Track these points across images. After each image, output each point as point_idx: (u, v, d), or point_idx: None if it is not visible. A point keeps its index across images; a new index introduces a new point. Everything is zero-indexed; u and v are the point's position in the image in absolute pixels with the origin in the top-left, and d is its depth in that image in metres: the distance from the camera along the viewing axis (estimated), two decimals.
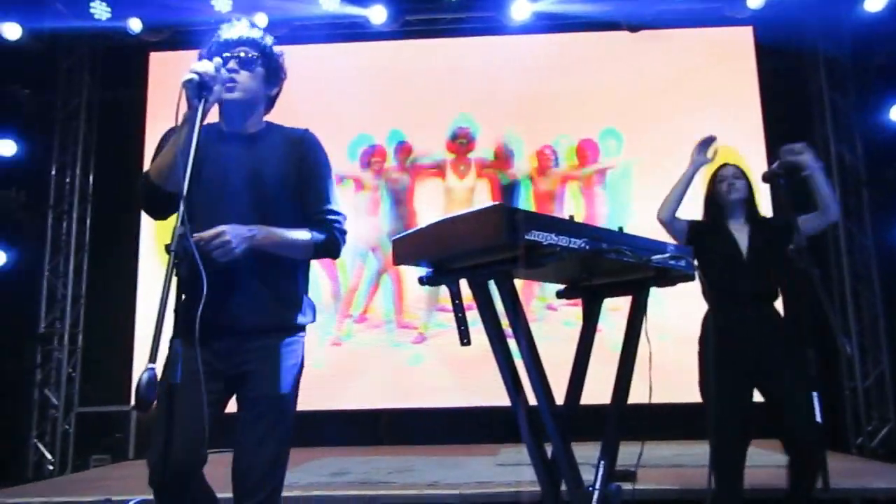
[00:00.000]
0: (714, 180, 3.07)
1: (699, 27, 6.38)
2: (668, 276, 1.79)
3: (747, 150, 6.03)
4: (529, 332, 1.58)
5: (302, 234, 1.95)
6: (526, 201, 6.26)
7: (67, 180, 6.50)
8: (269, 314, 1.93)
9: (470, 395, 5.46)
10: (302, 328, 2.03)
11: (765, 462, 3.72)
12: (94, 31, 6.33)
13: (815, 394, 2.55)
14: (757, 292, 2.91)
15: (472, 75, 6.40)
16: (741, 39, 6.38)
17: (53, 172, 6.45)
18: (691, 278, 1.79)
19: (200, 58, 2.02)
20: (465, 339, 1.69)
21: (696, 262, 3.01)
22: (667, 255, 1.73)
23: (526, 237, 1.44)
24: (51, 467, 5.90)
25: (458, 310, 1.70)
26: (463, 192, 6.34)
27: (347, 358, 5.99)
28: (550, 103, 6.34)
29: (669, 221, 3.03)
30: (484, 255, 1.57)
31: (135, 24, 5.99)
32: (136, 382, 1.44)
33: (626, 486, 2.97)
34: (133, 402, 1.46)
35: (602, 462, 1.64)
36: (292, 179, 2.00)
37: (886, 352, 5.97)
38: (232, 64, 1.96)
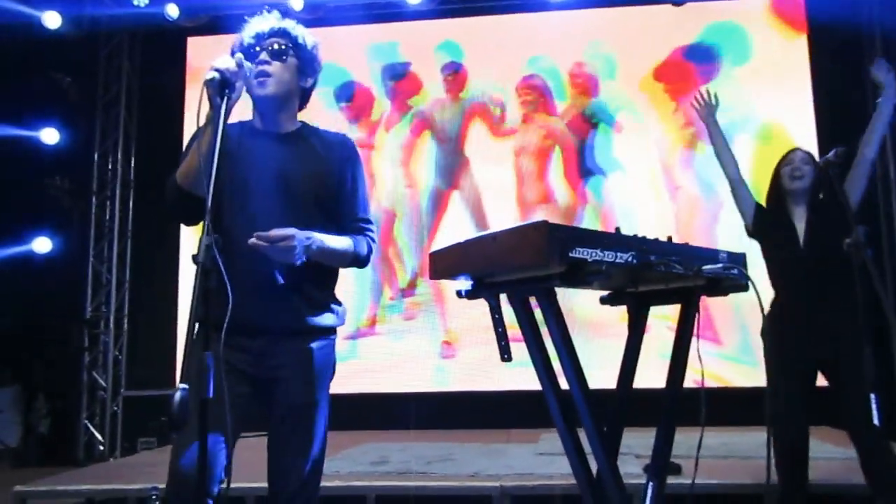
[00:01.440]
0: (781, 164, 2.98)
1: None
2: (720, 286, 1.71)
3: (795, 127, 5.82)
4: (573, 351, 1.52)
5: (345, 244, 1.92)
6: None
7: (109, 167, 6.60)
8: (300, 315, 1.90)
9: (509, 378, 5.42)
10: (333, 330, 2.00)
11: (831, 455, 3.63)
12: (132, 18, 6.38)
13: (872, 395, 2.46)
14: (816, 282, 2.82)
15: (513, 52, 6.26)
16: (792, 11, 6.09)
17: (96, 159, 6.55)
18: (745, 288, 1.71)
19: (232, 51, 1.97)
20: (505, 354, 1.64)
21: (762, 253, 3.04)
22: (719, 264, 1.64)
23: (570, 255, 1.37)
24: (101, 447, 6.08)
25: (499, 324, 1.65)
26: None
27: (385, 340, 6.01)
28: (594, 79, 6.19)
29: (736, 179, 3.03)
30: (525, 271, 1.51)
31: (172, 10, 6.00)
32: (170, 404, 1.42)
33: (682, 480, 2.96)
34: (168, 423, 1.45)
35: (651, 484, 1.58)
36: (327, 184, 1.95)
37: None
38: (264, 56, 1.91)
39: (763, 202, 3.07)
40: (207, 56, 1.92)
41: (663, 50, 6.13)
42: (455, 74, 6.28)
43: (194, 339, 1.51)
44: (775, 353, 2.82)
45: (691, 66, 6.09)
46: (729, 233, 5.57)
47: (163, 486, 1.80)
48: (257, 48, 1.93)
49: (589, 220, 5.97)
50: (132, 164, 6.72)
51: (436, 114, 6.28)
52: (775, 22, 6.11)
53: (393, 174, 6.24)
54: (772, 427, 2.85)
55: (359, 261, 1.97)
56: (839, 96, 5.96)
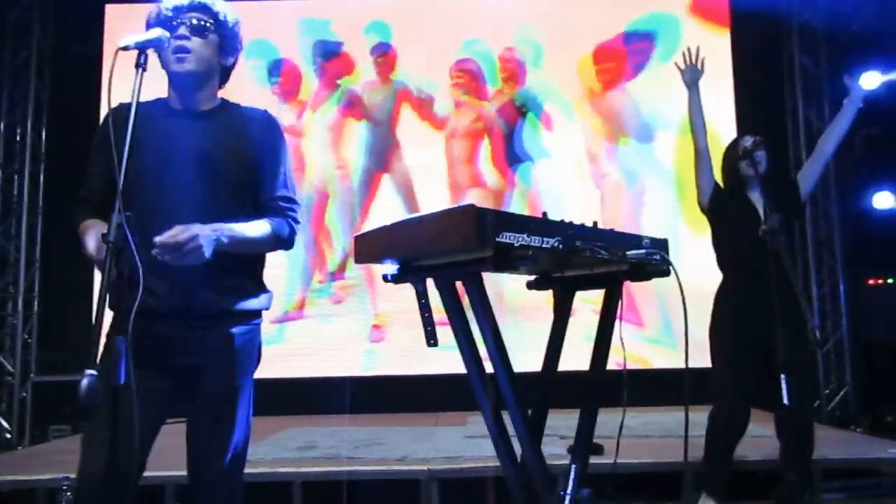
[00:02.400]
0: (735, 149, 3.07)
1: None
2: (643, 271, 1.74)
3: (717, 113, 6.00)
4: (499, 335, 1.52)
5: (262, 229, 1.83)
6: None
7: (18, 138, 6.20)
8: (220, 300, 1.82)
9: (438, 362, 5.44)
10: (256, 314, 1.93)
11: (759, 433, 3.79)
12: None
13: (783, 376, 2.58)
14: (770, 264, 2.86)
15: (446, 33, 6.22)
16: (715, 7, 6.28)
17: (2, 129, 6.14)
18: (666, 273, 1.74)
19: (149, 25, 1.86)
20: (431, 339, 1.62)
21: (712, 231, 3.12)
22: (642, 250, 1.67)
23: (497, 240, 1.36)
24: (8, 436, 5.77)
25: (425, 309, 1.63)
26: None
27: (313, 323, 5.93)
28: (523, 65, 6.22)
29: (705, 151, 3.10)
30: (452, 255, 1.49)
31: None
32: (77, 391, 1.34)
33: (604, 460, 3.03)
34: (75, 411, 1.37)
35: (574, 465, 1.61)
36: (247, 161, 1.87)
37: (846, 316, 6.11)
38: (183, 30, 1.80)
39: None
40: (126, 24, 1.81)
41: (593, 38, 6.22)
42: (384, 56, 6.20)
43: (109, 324, 1.44)
44: (729, 326, 2.91)
45: (621, 57, 6.21)
46: (652, 221, 5.75)
47: (75, 476, 1.71)
48: (176, 21, 1.82)
49: (517, 206, 6.03)
50: (43, 136, 6.34)
51: (366, 95, 6.18)
52: (698, 17, 6.28)
53: (323, 155, 6.13)
54: (719, 402, 2.96)
55: (281, 243, 1.90)
56: (759, 89, 6.21)
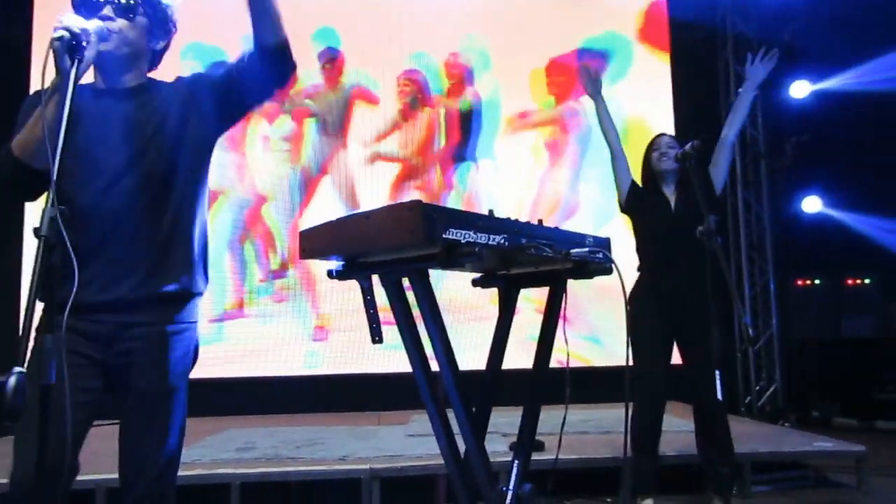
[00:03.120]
0: (650, 149, 3.24)
1: None
2: (586, 269, 1.77)
3: (656, 120, 6.18)
4: (445, 334, 1.52)
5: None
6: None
7: None
8: (153, 294, 1.73)
9: (381, 361, 5.41)
10: (192, 299, 1.83)
11: (678, 428, 3.89)
12: None
13: (717, 372, 2.66)
14: (682, 256, 3.05)
15: (393, 39, 6.19)
16: (655, 11, 6.45)
17: None
18: (609, 272, 1.77)
19: (73, 3, 1.77)
20: (376, 336, 1.60)
21: (632, 224, 3.24)
22: (585, 248, 1.69)
23: (444, 236, 1.36)
24: None
25: (370, 305, 1.61)
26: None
27: (253, 323, 5.82)
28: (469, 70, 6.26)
29: (619, 151, 3.23)
30: (399, 251, 1.48)
31: None
32: (2, 391, 1.27)
33: (545, 456, 3.08)
34: (3, 411, 1.30)
35: (516, 462, 1.62)
36: (186, 132, 1.78)
37: (776, 316, 6.36)
38: (107, 10, 1.70)
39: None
40: (56, 8, 1.72)
41: (548, 51, 6.30)
42: (332, 62, 6.12)
43: (38, 322, 1.37)
44: (639, 319, 3.00)
45: (573, 72, 6.29)
46: (586, 228, 5.86)
47: (6, 480, 1.62)
48: (101, 0, 1.74)
49: (452, 204, 6.05)
50: None
51: (316, 101, 6.09)
52: (641, 23, 6.44)
53: (268, 154, 6.01)
54: (634, 394, 3.05)
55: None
56: (695, 92, 6.42)
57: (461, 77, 6.23)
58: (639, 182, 3.29)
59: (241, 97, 1.81)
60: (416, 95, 6.16)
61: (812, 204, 6.46)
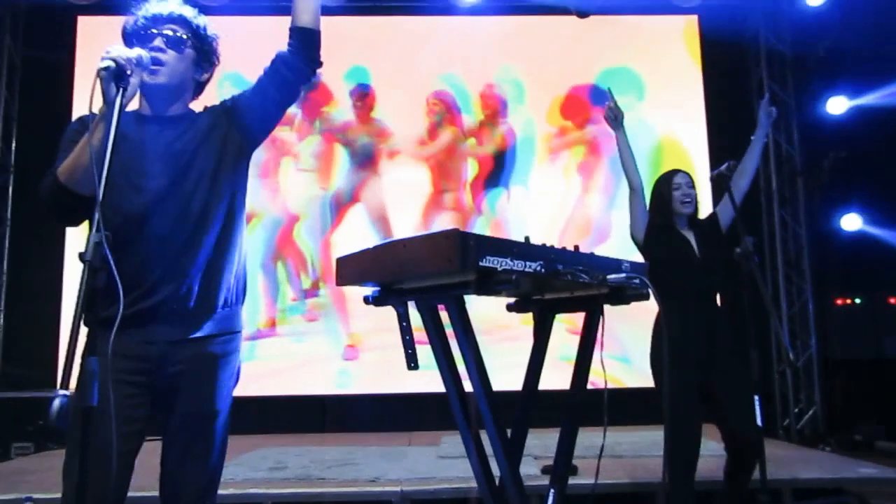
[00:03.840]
0: (669, 186, 3.11)
1: (646, 14, 6.38)
2: (623, 295, 1.75)
3: (688, 137, 6.14)
4: (480, 359, 1.51)
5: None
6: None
7: None
8: (199, 317, 1.77)
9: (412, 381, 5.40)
10: (236, 319, 1.88)
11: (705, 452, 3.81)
12: None
13: (756, 397, 2.61)
14: (707, 291, 3.02)
15: (422, 55, 6.25)
16: (687, 28, 6.41)
17: None
18: (646, 297, 1.76)
19: (125, 34, 1.83)
20: (412, 362, 1.61)
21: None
22: (622, 274, 1.68)
23: (480, 263, 1.36)
24: None
25: (406, 332, 1.62)
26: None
27: (286, 341, 5.86)
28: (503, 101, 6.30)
29: (639, 190, 3.14)
30: (435, 278, 1.49)
31: None
32: (47, 412, 1.31)
33: (578, 480, 3.03)
34: (45, 433, 1.33)
35: (552, 490, 1.60)
36: (225, 157, 1.83)
37: (814, 337, 6.21)
38: (158, 42, 1.77)
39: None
40: (98, 37, 1.78)
41: (570, 79, 6.30)
42: (364, 98, 6.20)
43: (82, 343, 1.40)
44: (669, 352, 2.92)
45: (589, 100, 6.30)
46: (618, 254, 5.81)
47: (38, 495, 1.66)
48: (152, 31, 1.79)
49: (480, 230, 6.05)
50: (13, 148, 6.22)
51: (348, 133, 6.18)
52: (672, 37, 6.41)
53: (299, 177, 6.09)
54: (668, 424, 2.98)
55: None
56: (729, 110, 6.35)
57: (496, 108, 6.26)
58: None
59: (275, 92, 1.88)
60: (443, 116, 6.20)
61: (851, 222, 6.31)
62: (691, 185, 3.10)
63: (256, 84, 1.90)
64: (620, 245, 5.85)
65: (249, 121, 1.89)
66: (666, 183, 3.13)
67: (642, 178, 3.19)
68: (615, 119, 3.22)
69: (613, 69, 6.29)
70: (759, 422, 2.59)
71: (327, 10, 5.83)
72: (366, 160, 6.17)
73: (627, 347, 5.74)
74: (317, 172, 6.13)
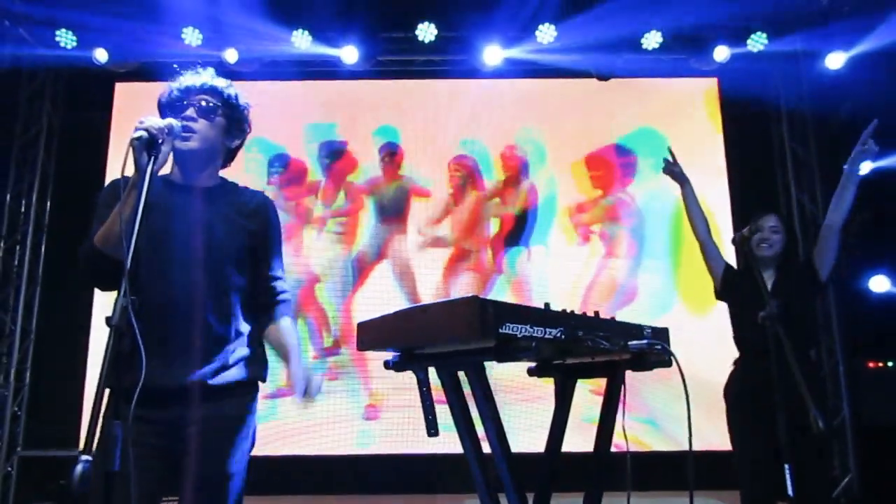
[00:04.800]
0: (752, 228, 2.97)
1: (666, 77, 6.48)
2: (644, 361, 1.74)
3: (710, 198, 6.12)
4: (500, 426, 1.51)
5: (295, 332, 2.02)
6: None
7: (22, 210, 6.27)
8: (216, 377, 1.80)
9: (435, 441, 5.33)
10: (252, 393, 1.91)
11: None
12: (58, 60, 6.22)
13: (787, 466, 2.52)
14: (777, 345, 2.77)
15: (444, 117, 6.40)
16: (706, 91, 6.50)
17: (8, 200, 6.22)
18: (668, 364, 1.74)
19: (160, 106, 1.92)
20: (432, 429, 1.60)
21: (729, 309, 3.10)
22: (644, 340, 1.67)
23: (500, 331, 1.37)
24: None
25: (426, 398, 1.62)
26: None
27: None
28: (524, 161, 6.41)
29: (706, 240, 3.13)
30: (455, 344, 1.49)
31: (101, 55, 5.85)
32: (70, 478, 1.32)
33: None
34: (65, 496, 1.34)
35: None
36: (245, 242, 1.91)
37: (846, 400, 6.03)
38: (190, 112, 1.86)
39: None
40: (135, 102, 1.89)
41: (590, 141, 6.39)
42: (392, 157, 6.34)
43: (105, 408, 1.42)
44: (740, 414, 2.84)
45: (613, 160, 6.37)
46: (644, 316, 5.76)
47: None
48: (185, 102, 1.88)
49: (500, 289, 6.05)
50: (48, 208, 6.41)
51: (374, 192, 6.30)
52: (692, 100, 6.49)
53: (322, 237, 6.19)
54: (742, 490, 2.85)
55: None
56: (752, 176, 6.36)
57: (517, 168, 6.35)
58: (733, 264, 3.14)
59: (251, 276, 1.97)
60: (466, 180, 6.30)
61: (879, 283, 6.20)
62: (776, 228, 3.03)
63: (266, 259, 2.00)
64: (647, 306, 5.86)
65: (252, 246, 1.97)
66: (750, 225, 3.00)
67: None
68: (680, 174, 3.22)
69: (638, 131, 6.37)
70: (790, 491, 2.50)
71: (356, 75, 6.14)
72: (394, 214, 6.24)
73: (654, 410, 5.63)
74: (341, 234, 6.21)
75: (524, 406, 4.98)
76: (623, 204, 6.23)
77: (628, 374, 1.82)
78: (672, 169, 3.24)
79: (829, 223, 3.05)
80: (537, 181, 6.33)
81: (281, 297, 2.01)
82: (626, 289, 6.05)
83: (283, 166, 6.26)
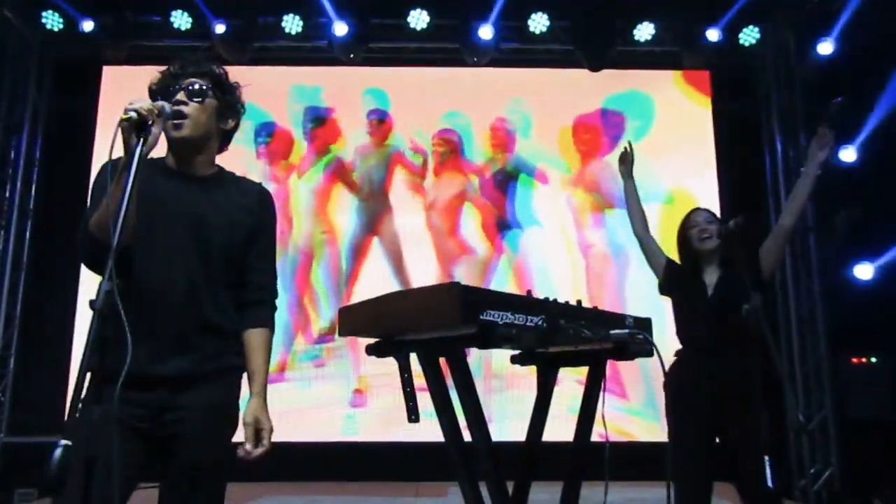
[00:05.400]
0: (686, 226, 3.03)
1: (658, 69, 6.49)
2: (626, 351, 1.74)
3: (700, 192, 6.15)
4: (480, 414, 1.51)
5: (268, 348, 1.95)
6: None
7: (7, 194, 6.20)
8: (204, 362, 1.78)
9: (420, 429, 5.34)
10: (240, 372, 1.90)
11: None
12: (43, 42, 6.17)
13: (766, 459, 2.55)
14: (717, 341, 2.85)
15: (435, 104, 6.39)
16: (698, 84, 6.51)
17: None
18: (650, 354, 1.75)
19: (151, 92, 1.89)
20: (413, 415, 1.60)
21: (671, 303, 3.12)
22: (625, 330, 1.68)
23: (481, 317, 1.37)
24: None
25: (407, 384, 1.62)
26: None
27: (294, 387, 5.83)
28: (512, 135, 6.40)
29: (644, 236, 3.13)
30: (436, 331, 1.49)
31: (87, 25, 5.82)
32: (47, 463, 1.31)
33: None
34: (44, 484, 1.33)
35: None
36: (240, 234, 1.89)
37: (829, 395, 6.07)
38: (181, 96, 1.83)
39: (675, 257, 3.15)
40: (123, 87, 1.85)
41: (574, 113, 6.42)
42: (380, 122, 6.33)
43: (85, 392, 1.41)
44: (676, 406, 2.85)
45: (600, 132, 6.39)
46: (638, 293, 5.79)
47: None
48: (175, 86, 1.85)
49: (503, 273, 6.06)
50: (32, 193, 6.35)
51: (358, 160, 6.28)
52: (683, 92, 6.50)
53: (309, 218, 6.17)
54: (674, 482, 2.88)
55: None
56: (740, 161, 6.38)
57: (504, 140, 6.35)
58: (676, 259, 3.13)
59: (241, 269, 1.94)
60: (448, 156, 6.29)
61: (864, 271, 6.17)
62: (711, 219, 2.98)
63: (259, 254, 1.96)
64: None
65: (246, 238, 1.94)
66: (684, 223, 3.06)
67: (655, 232, 3.17)
68: (629, 170, 3.23)
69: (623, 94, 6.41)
70: (769, 483, 2.53)
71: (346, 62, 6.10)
72: (380, 195, 6.24)
73: (639, 400, 5.67)
74: (322, 215, 6.20)
75: (509, 393, 5.01)
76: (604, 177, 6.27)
77: (616, 363, 1.82)
78: (626, 160, 3.25)
79: (782, 223, 2.99)
80: (523, 153, 6.34)
81: (265, 299, 1.97)
82: (622, 257, 6.06)
83: (269, 135, 6.25)
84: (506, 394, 5.14)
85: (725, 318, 2.81)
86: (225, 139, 1.99)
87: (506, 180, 6.30)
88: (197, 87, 1.86)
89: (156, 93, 1.89)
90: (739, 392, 2.82)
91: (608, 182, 6.25)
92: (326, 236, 6.14)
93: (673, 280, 3.07)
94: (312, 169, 6.27)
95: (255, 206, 1.93)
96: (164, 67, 1.93)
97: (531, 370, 2.12)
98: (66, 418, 1.38)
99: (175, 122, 1.80)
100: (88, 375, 1.41)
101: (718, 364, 2.84)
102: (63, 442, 1.31)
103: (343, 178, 6.26)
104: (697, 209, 3.10)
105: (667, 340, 1.80)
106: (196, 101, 1.85)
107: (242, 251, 1.89)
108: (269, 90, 6.13)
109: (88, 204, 1.81)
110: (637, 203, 3.20)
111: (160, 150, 1.88)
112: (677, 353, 3.01)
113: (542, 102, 6.41)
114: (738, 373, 2.83)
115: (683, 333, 3.03)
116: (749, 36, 6.27)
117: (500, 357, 5.01)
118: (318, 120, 6.33)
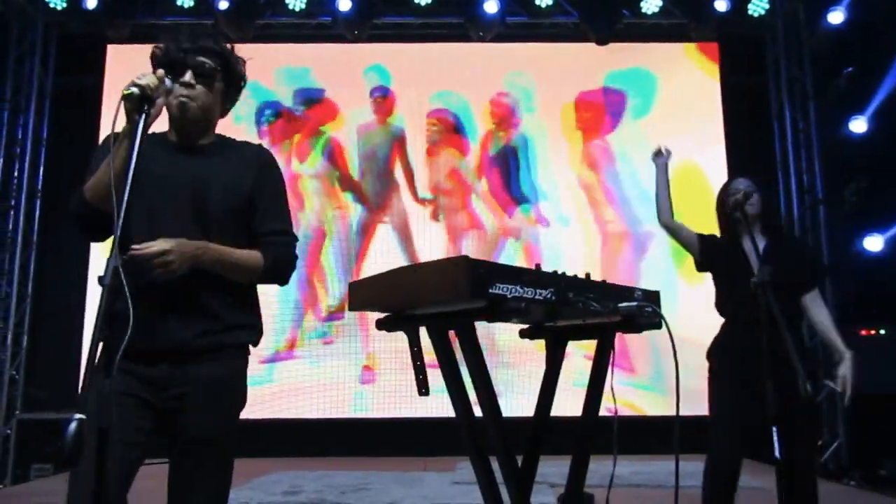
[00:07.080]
0: (725, 193, 2.96)
1: (666, 41, 6.42)
2: (634, 323, 1.74)
3: (708, 163, 6.11)
4: (490, 386, 1.52)
5: (251, 257, 1.82)
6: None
7: (15, 174, 6.22)
8: (207, 335, 1.77)
9: (428, 405, 5.39)
10: (243, 352, 1.90)
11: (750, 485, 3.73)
12: (47, 20, 6.14)
13: (774, 428, 2.55)
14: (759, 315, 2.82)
15: (439, 78, 6.35)
16: (707, 55, 6.44)
17: (0, 165, 6.17)
18: (658, 326, 1.75)
19: (157, 60, 1.87)
20: (423, 388, 1.61)
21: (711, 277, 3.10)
22: (634, 302, 1.68)
23: (490, 291, 1.37)
24: None
25: (417, 357, 1.62)
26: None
27: (304, 364, 5.88)
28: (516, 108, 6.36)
29: (669, 224, 3.07)
30: (446, 304, 1.49)
31: (91, 2, 5.79)
32: (63, 436, 1.32)
33: None
34: (60, 457, 1.35)
35: None
36: (241, 197, 1.85)
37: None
38: (188, 77, 1.79)
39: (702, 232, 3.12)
40: (127, 64, 1.83)
41: (578, 87, 6.37)
42: (384, 98, 6.30)
43: (95, 366, 1.42)
44: (721, 371, 2.84)
45: (603, 109, 6.34)
46: (652, 267, 5.78)
47: None
48: (183, 63, 1.82)
49: (512, 249, 6.06)
50: (41, 172, 6.37)
51: (362, 139, 6.26)
52: (693, 63, 6.43)
53: (319, 197, 6.17)
54: (711, 445, 2.88)
55: (271, 274, 1.86)
56: (748, 134, 6.33)
57: (506, 115, 6.31)
58: (713, 233, 3.06)
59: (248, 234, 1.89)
60: (442, 134, 6.27)
61: (874, 243, 6.15)
62: (752, 187, 2.90)
63: (262, 212, 1.88)
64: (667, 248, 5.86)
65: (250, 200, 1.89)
66: (724, 190, 2.99)
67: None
68: (662, 159, 3.17)
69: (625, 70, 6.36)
70: (776, 454, 2.53)
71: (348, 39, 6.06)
72: (386, 172, 6.24)
73: (649, 374, 5.69)
74: (332, 193, 6.20)
75: (519, 368, 5.04)
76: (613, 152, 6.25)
77: (626, 337, 1.82)
78: (662, 155, 3.20)
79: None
80: (527, 128, 6.31)
81: (286, 249, 1.89)
82: (639, 229, 6.06)
83: (274, 115, 6.24)
84: (510, 370, 5.17)
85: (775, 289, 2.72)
86: (224, 112, 1.98)
87: (509, 156, 6.26)
88: (207, 67, 1.83)
89: (161, 64, 1.86)
90: (785, 365, 2.78)
91: (606, 161, 6.23)
92: (339, 212, 6.14)
93: (713, 254, 3.02)
94: (313, 153, 6.25)
95: (254, 168, 1.90)
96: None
97: (536, 346, 2.13)
98: (79, 392, 1.40)
99: (181, 102, 1.78)
100: (100, 349, 1.43)
101: (759, 338, 2.81)
102: (77, 416, 1.33)
103: (341, 160, 6.25)
104: (735, 178, 3.04)
105: (676, 312, 1.79)
106: (203, 83, 1.83)
107: (246, 214, 1.87)
108: (259, 71, 6.09)
109: (87, 172, 1.80)
110: (668, 194, 3.14)
111: (161, 125, 1.87)
112: (723, 326, 2.99)
113: (543, 79, 6.36)
114: (779, 347, 2.80)
115: (728, 306, 2.99)
116: (758, 6, 6.18)
117: (505, 334, 5.03)
118: (310, 101, 6.29)
